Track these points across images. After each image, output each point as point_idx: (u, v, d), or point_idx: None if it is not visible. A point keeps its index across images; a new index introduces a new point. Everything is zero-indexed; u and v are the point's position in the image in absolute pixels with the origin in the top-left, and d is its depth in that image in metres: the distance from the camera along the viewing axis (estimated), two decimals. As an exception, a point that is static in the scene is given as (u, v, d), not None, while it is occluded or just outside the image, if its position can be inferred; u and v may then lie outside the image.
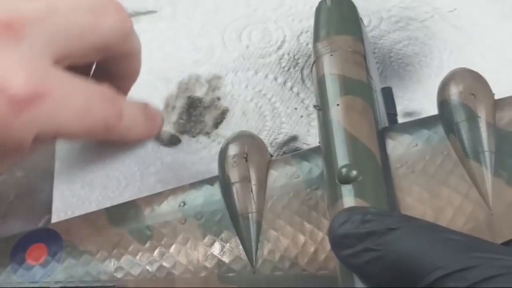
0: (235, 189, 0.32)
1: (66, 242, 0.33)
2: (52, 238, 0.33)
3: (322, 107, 0.33)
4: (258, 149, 0.34)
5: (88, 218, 0.34)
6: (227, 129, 0.40)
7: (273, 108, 0.41)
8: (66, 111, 0.31)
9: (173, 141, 0.40)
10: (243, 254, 0.31)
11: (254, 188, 0.32)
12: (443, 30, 0.43)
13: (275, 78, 0.42)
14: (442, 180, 0.31)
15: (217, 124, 0.41)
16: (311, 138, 0.39)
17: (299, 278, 0.30)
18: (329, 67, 0.34)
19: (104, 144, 0.39)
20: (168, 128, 0.41)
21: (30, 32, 0.30)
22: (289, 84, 0.42)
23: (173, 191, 0.34)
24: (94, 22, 0.33)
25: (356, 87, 0.33)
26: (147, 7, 0.47)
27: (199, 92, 0.42)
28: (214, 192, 0.33)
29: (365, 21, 0.40)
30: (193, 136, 0.40)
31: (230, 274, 0.31)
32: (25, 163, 0.40)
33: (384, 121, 0.34)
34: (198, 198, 0.33)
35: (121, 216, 0.34)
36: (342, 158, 0.31)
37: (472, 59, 0.41)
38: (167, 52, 0.45)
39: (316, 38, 0.37)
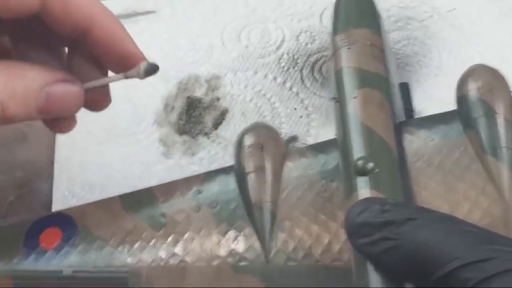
0: (250, 179, 0.32)
1: (80, 227, 0.33)
2: (66, 223, 0.33)
3: (339, 100, 0.33)
4: (274, 140, 0.34)
5: (102, 204, 0.34)
6: (227, 130, 0.40)
7: (272, 109, 0.41)
8: None
9: (149, 72, 0.30)
10: (256, 244, 0.31)
11: (269, 178, 0.32)
12: (442, 30, 0.43)
13: (275, 78, 0.42)
14: (458, 174, 0.31)
15: (216, 125, 0.41)
16: (311, 138, 0.39)
17: (313, 268, 0.30)
18: (347, 60, 0.34)
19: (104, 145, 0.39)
20: (168, 128, 0.41)
21: None
22: (288, 84, 0.42)
23: (188, 180, 0.34)
24: None
25: (373, 80, 0.33)
26: (146, 7, 0.47)
27: (199, 92, 0.42)
28: (229, 181, 0.33)
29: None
30: (193, 137, 0.40)
31: (244, 263, 0.31)
32: (25, 163, 0.40)
33: (401, 115, 0.34)
34: (213, 187, 0.33)
35: (135, 203, 0.34)
36: (358, 150, 0.31)
37: (471, 59, 0.41)
38: (166, 52, 0.44)
39: (335, 31, 0.37)
